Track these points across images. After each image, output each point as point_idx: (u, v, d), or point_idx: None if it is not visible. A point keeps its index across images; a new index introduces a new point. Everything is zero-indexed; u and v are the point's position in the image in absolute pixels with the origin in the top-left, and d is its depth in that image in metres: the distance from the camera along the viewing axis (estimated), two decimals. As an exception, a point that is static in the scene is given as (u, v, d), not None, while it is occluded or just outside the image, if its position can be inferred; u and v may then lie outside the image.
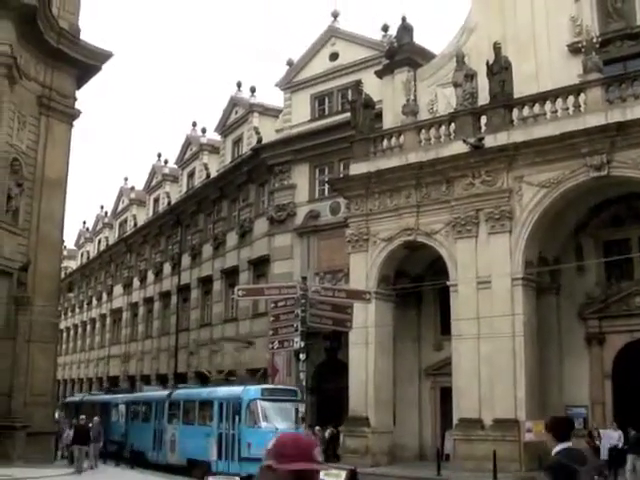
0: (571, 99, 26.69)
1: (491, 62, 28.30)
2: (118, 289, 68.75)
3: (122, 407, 39.04)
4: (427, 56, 34.99)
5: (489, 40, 29.60)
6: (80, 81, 37.08)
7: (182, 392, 33.73)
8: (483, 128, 28.70)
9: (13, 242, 32.71)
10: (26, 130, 33.87)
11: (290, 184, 40.35)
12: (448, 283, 28.62)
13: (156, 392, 38.05)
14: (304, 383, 17.62)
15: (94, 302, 76.77)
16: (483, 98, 29.00)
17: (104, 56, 36.60)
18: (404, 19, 34.81)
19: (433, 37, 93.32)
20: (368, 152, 31.92)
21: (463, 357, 27.29)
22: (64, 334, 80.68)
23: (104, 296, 73.26)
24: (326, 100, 41.06)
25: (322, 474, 14.80)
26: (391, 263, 31.11)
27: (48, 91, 34.87)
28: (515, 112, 28.04)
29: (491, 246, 27.55)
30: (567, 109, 26.72)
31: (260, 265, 42.46)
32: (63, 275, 66.15)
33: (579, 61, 27.96)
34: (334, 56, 40.46)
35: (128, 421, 37.21)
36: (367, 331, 29.56)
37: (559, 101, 27.03)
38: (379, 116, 34.00)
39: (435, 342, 32.09)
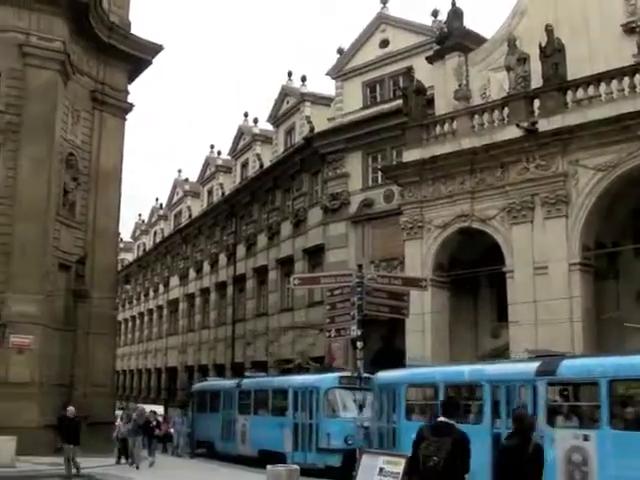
0: (626, 80, 26.19)
1: (543, 45, 27.95)
2: (174, 280, 69.43)
3: (343, 393, 26.77)
4: (478, 40, 34.63)
5: (541, 23, 29.19)
6: (132, 74, 37.54)
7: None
8: (537, 112, 28.33)
9: (70, 236, 33.29)
10: (80, 125, 34.43)
11: (343, 173, 40.35)
12: (504, 269, 28.35)
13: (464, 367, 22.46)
14: (362, 371, 17.62)
15: (151, 294, 77.64)
16: (536, 81, 28.63)
17: (155, 49, 37.02)
18: (454, 3, 34.51)
19: (484, 21, 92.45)
20: (421, 139, 31.78)
21: (520, 344, 27.03)
22: (122, 326, 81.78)
23: (161, 287, 74.05)
24: (377, 87, 40.92)
25: (381, 462, 14.71)
26: (446, 250, 30.95)
27: (101, 86, 35.41)
28: (569, 95, 27.62)
29: (547, 231, 27.23)
30: (622, 90, 26.24)
31: (315, 254, 42.57)
32: (120, 267, 67.20)
33: (634, 41, 27.50)
34: (384, 43, 40.29)
35: (389, 416, 23.16)
36: (423, 318, 29.45)
37: (614, 82, 26.53)
38: (431, 102, 33.80)
39: (492, 329, 31.80)
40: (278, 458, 26.08)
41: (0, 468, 24.14)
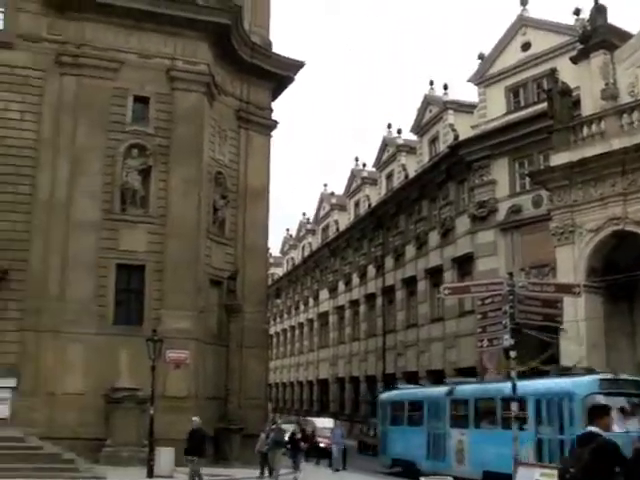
0: None
1: (695, 36, 26.91)
2: (324, 293, 70.07)
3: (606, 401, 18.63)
4: (624, 37, 33.50)
5: (692, 14, 28.14)
6: (274, 92, 38.18)
7: None
8: (690, 107, 27.30)
9: (221, 252, 34.11)
10: (227, 144, 35.27)
11: (490, 180, 39.85)
12: (662, 273, 27.37)
13: None
14: (515, 381, 17.27)
15: (301, 307, 78.63)
16: (689, 76, 27.61)
17: (296, 66, 37.57)
18: (597, 0, 33.62)
19: (629, 16, 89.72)
20: (568, 141, 31.01)
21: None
22: (273, 339, 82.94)
23: (311, 301, 74.87)
24: (521, 91, 40.26)
25: (538, 474, 14.44)
26: (599, 254, 30.04)
27: (245, 104, 36.20)
28: None
29: None
30: None
31: (464, 263, 42.16)
32: (270, 282, 68.21)
33: None
34: (526, 46, 39.61)
35: None
36: (577, 325, 28.68)
37: None
38: (577, 103, 32.97)
39: (650, 335, 30.71)
40: None
41: (160, 478, 25.33)
